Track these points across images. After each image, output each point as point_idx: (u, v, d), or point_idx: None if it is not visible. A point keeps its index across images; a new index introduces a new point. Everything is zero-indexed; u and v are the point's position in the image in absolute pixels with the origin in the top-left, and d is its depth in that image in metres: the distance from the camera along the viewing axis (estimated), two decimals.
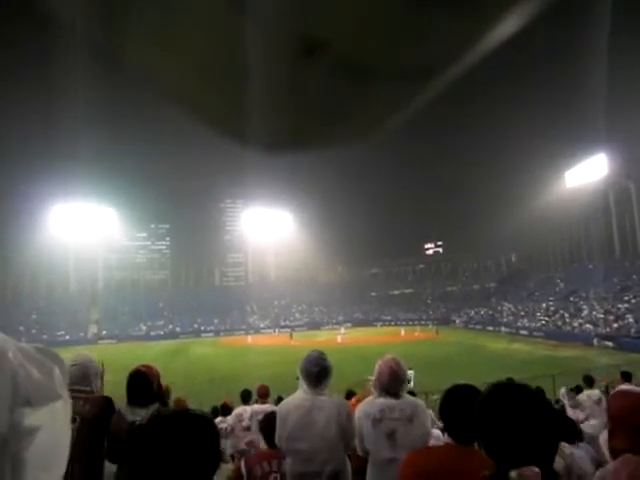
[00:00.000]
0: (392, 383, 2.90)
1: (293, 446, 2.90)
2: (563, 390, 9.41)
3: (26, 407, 0.57)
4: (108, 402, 3.00)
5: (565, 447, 2.60)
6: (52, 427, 0.60)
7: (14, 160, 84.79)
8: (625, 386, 6.84)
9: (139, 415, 2.84)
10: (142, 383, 3.02)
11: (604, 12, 46.96)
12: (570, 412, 7.41)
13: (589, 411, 7.17)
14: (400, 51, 0.37)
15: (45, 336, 58.67)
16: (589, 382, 8.18)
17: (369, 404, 2.97)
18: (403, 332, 51.88)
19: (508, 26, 0.36)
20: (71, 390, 2.95)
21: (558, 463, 2.44)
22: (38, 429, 0.57)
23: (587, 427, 6.63)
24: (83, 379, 3.03)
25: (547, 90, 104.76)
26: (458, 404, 1.97)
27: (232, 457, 6.23)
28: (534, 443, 1.25)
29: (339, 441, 2.89)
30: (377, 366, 3.00)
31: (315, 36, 0.35)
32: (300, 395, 3.02)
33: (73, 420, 2.78)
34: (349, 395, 7.48)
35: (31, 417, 0.56)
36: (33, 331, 61.42)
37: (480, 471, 1.28)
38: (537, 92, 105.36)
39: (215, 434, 1.41)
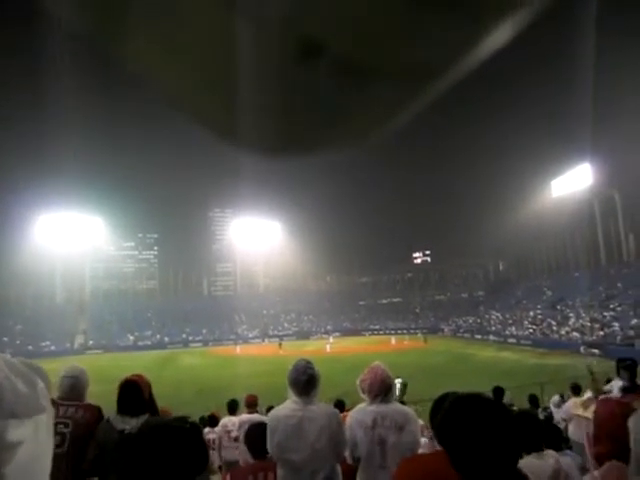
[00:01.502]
0: (383, 389, 2.92)
1: (283, 456, 2.87)
2: (556, 398, 9.45)
3: (10, 419, 0.55)
4: (99, 410, 3.07)
5: (552, 454, 2.64)
6: (35, 441, 0.59)
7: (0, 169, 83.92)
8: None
9: (129, 424, 2.82)
10: (133, 392, 3.00)
11: (589, 22, 47.78)
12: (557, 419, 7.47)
13: (575, 419, 7.21)
14: (399, 53, 0.37)
15: (30, 347, 57.64)
16: (576, 390, 8.23)
17: (361, 412, 2.98)
18: (394, 341, 51.82)
19: (503, 32, 0.36)
20: (62, 399, 2.96)
21: (546, 469, 2.47)
22: (20, 443, 0.56)
23: (573, 434, 6.69)
24: (74, 391, 3.08)
25: (533, 100, 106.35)
26: None
27: (220, 468, 6.18)
28: (495, 454, 1.27)
29: (330, 451, 2.87)
30: (367, 374, 3.01)
31: (314, 38, 0.35)
32: (290, 405, 2.99)
33: (66, 425, 2.80)
34: (338, 404, 7.46)
35: (15, 431, 0.55)
36: (17, 342, 60.27)
37: None
38: (523, 102, 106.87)
39: (203, 444, 1.42)
